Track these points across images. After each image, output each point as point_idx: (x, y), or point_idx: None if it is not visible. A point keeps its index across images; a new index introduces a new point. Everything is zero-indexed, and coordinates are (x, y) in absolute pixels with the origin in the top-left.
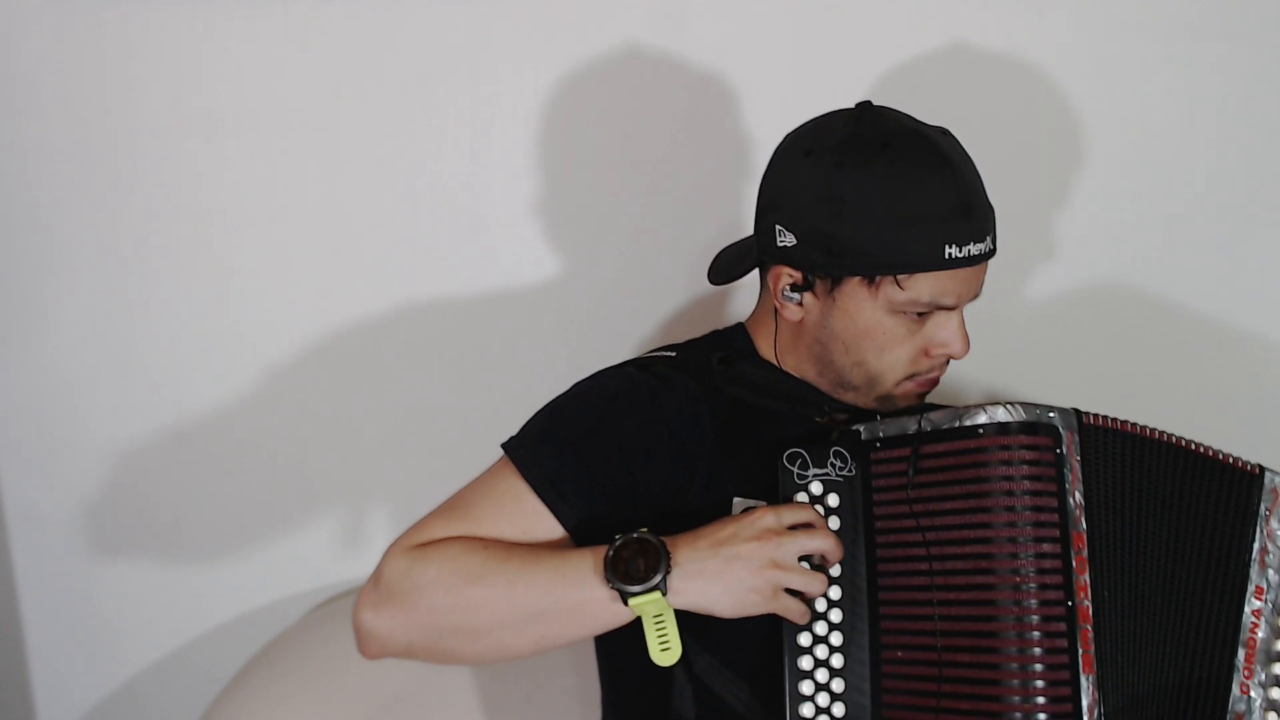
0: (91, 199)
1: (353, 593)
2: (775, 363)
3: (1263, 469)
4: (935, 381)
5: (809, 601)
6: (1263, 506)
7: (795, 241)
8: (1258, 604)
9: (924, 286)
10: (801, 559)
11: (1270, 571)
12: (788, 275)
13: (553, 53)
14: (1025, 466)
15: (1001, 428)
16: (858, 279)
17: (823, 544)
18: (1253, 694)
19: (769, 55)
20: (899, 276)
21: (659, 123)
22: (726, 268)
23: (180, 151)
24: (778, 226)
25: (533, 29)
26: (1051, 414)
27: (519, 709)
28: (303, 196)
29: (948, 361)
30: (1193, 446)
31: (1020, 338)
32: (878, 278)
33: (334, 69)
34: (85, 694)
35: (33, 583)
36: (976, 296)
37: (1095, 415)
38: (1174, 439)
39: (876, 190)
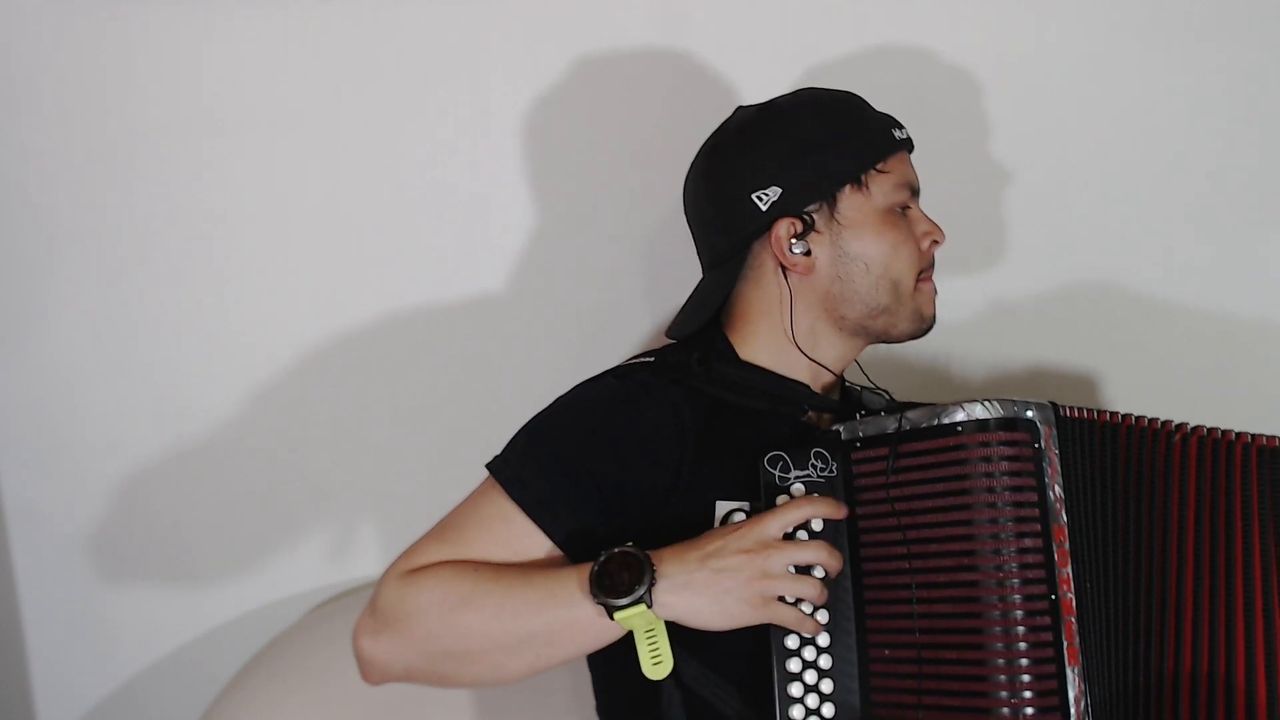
0: (91, 199)
1: (352, 593)
2: (762, 360)
3: None
4: (933, 280)
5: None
6: None
7: (781, 191)
8: None
9: (896, 170)
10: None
11: None
12: (788, 226)
13: (551, 54)
14: (1005, 463)
15: (980, 425)
16: (849, 188)
17: (815, 555)
18: None
19: (770, 57)
20: (878, 166)
21: (658, 125)
22: (695, 314)
23: (180, 152)
24: (755, 195)
25: (531, 31)
26: (1029, 409)
27: (517, 711)
28: (303, 197)
29: (933, 261)
30: (1170, 425)
31: (1020, 338)
32: (864, 177)
33: (334, 69)
34: (85, 694)
35: (33, 583)
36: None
37: (1072, 408)
38: (1154, 423)
39: (822, 116)
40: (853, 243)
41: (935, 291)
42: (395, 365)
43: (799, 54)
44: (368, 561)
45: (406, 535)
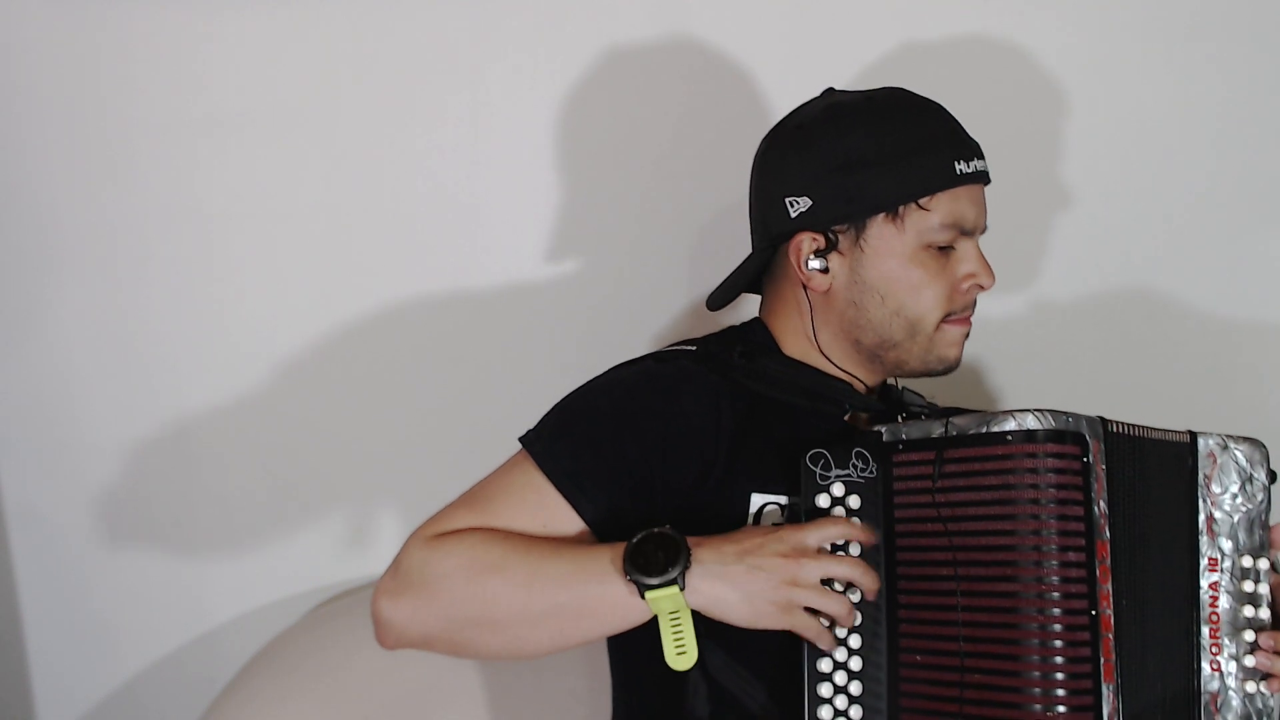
0: (90, 199)
1: (354, 593)
2: (805, 356)
3: (1194, 434)
4: (969, 321)
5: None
6: (1200, 473)
7: (811, 204)
8: (1214, 576)
9: (943, 208)
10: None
11: (1222, 539)
12: (810, 241)
13: (552, 50)
14: (1052, 475)
15: (1029, 435)
16: (882, 217)
17: (849, 572)
18: (1225, 668)
19: (771, 47)
20: (920, 201)
21: (660, 118)
22: (730, 287)
23: (179, 151)
24: (788, 199)
25: (531, 26)
26: (1080, 422)
27: (524, 710)
28: (302, 196)
29: (974, 302)
30: (1163, 436)
31: (1021, 339)
32: (900, 209)
33: (333, 69)
34: (85, 694)
35: (33, 583)
36: (985, 230)
37: (1119, 423)
38: (1161, 434)
39: (879, 133)
40: (871, 272)
41: (967, 334)
42: (396, 363)
43: (803, 46)
44: (368, 561)
45: (407, 535)
